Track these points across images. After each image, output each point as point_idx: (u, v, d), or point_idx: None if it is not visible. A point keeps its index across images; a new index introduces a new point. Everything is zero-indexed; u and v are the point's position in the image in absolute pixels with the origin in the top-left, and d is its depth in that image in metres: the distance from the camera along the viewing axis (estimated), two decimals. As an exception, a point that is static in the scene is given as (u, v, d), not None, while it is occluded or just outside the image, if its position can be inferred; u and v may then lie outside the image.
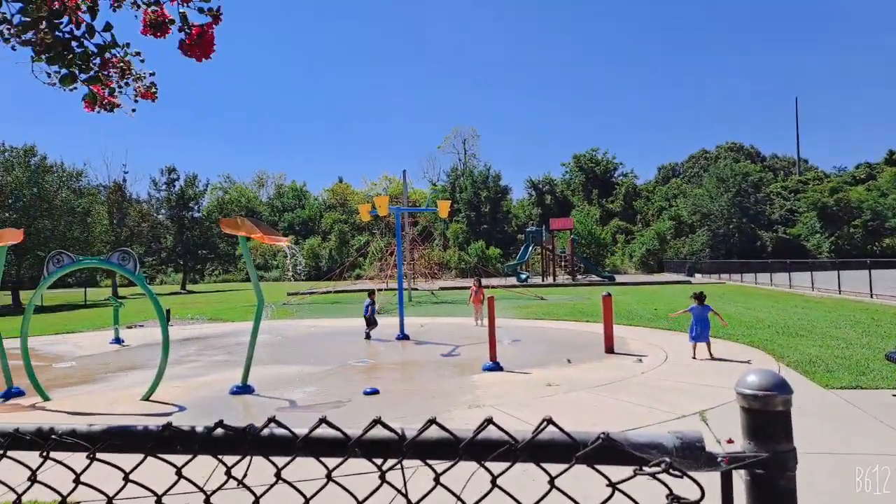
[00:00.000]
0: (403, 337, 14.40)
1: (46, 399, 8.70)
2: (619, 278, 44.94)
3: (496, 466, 1.00)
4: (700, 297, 10.61)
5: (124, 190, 58.58)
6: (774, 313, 17.04)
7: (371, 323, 14.75)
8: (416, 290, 33.79)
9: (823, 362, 9.27)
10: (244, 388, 8.89)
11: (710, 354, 10.26)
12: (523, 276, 42.04)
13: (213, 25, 1.98)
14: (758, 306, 19.54)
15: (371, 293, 15.52)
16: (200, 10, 1.96)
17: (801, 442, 5.38)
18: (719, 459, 0.91)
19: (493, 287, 26.61)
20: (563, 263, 46.86)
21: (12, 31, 1.84)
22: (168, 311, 10.70)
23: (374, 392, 8.51)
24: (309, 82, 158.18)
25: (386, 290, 27.70)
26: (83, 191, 45.61)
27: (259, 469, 1.12)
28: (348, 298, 30.94)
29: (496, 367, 9.98)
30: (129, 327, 19.18)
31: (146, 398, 8.53)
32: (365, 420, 1.01)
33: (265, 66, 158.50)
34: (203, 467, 1.16)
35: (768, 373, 0.97)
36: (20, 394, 9.13)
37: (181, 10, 1.94)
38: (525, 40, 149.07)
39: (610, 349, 11.31)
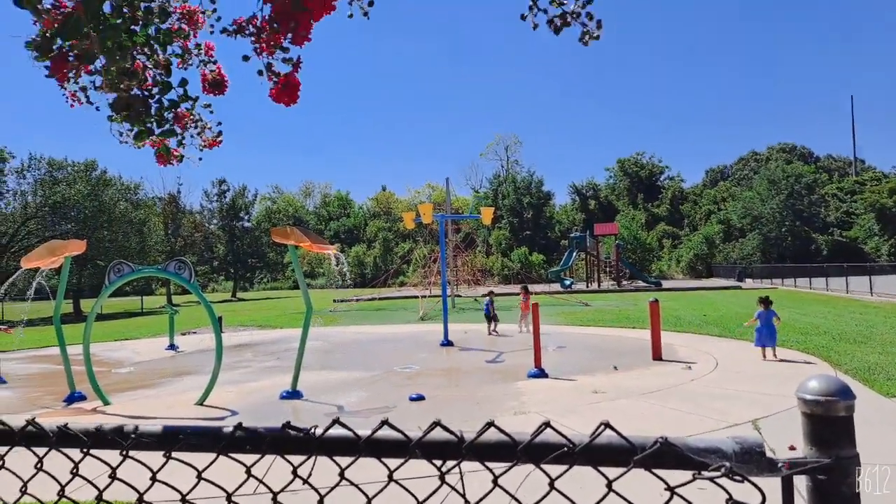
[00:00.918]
0: (447, 343, 14.44)
1: (107, 403, 9.06)
2: (665, 284, 43.96)
3: (550, 471, 1.02)
4: (766, 302, 10.71)
5: (178, 201, 60.70)
6: (830, 319, 16.41)
7: (493, 319, 16.00)
8: (460, 296, 33.84)
9: (883, 370, 8.90)
10: (294, 394, 9.07)
11: (775, 356, 10.52)
12: (567, 283, 41.58)
13: (295, 73, 2.11)
14: (813, 312, 18.85)
15: (490, 293, 17.38)
16: (284, 61, 2.12)
17: (862, 451, 5.19)
18: (780, 465, 0.91)
19: (536, 293, 26.43)
20: (607, 269, 46.17)
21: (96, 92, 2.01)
22: (220, 319, 11.03)
23: (420, 398, 8.56)
24: (352, 94, 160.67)
25: (430, 296, 27.82)
26: (140, 203, 47.47)
27: (317, 471, 1.16)
28: (393, 305, 31.22)
29: (541, 373, 9.91)
30: (184, 334, 19.80)
31: (201, 403, 8.80)
32: (412, 425, 1.04)
33: (310, 79, 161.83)
34: (261, 468, 1.22)
35: (831, 378, 0.96)
36: (82, 398, 9.53)
37: (267, 62, 2.08)
38: (567, 45, 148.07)
39: (658, 356, 11.10)
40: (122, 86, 1.87)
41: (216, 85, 2.17)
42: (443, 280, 16.46)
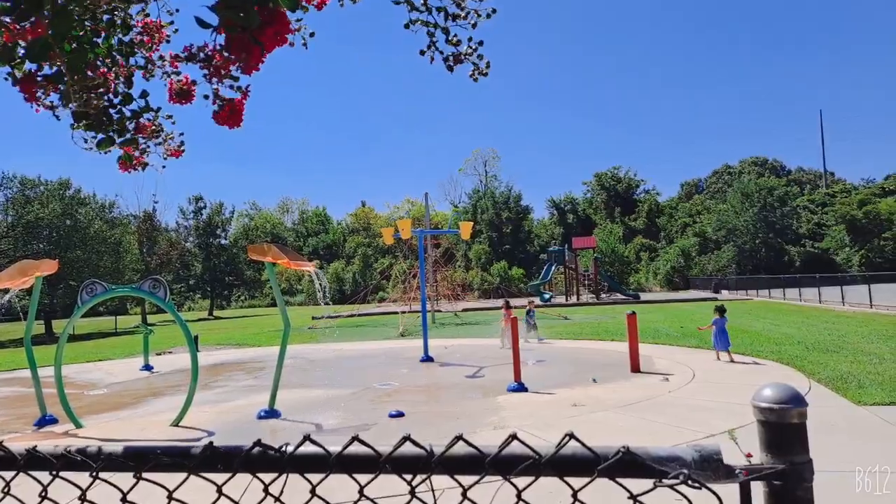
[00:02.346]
0: (428, 359, 14.40)
1: (79, 426, 8.85)
2: (643, 296, 44.43)
3: (520, 483, 1.04)
4: (721, 310, 12.10)
5: (154, 219, 59.85)
6: (804, 329, 16.70)
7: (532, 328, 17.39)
8: (440, 311, 33.79)
9: (855, 378, 9.07)
10: (271, 413, 8.96)
11: (731, 358, 11.65)
12: (547, 296, 41.78)
13: (243, 101, 2.16)
14: (787, 322, 19.17)
15: (530, 303, 19.51)
16: (231, 87, 2.18)
17: (832, 458, 5.26)
18: (737, 472, 0.94)
19: (516, 307, 26.47)
20: (586, 282, 46.53)
21: (58, 104, 2.03)
22: (196, 338, 10.89)
23: (400, 415, 8.52)
24: (329, 109, 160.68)
25: (409, 312, 27.73)
26: (115, 221, 46.75)
27: (288, 491, 1.17)
28: (372, 322, 31.05)
29: (521, 387, 9.93)
30: (159, 354, 19.46)
31: (176, 423, 8.65)
32: (391, 442, 1.05)
33: (286, 93, 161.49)
34: (238, 487, 1.22)
35: (784, 386, 1.00)
36: (53, 421, 9.31)
37: (214, 87, 2.12)
38: (545, 59, 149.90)
39: (636, 368, 11.19)
40: (83, 98, 1.88)
41: (183, 94, 2.20)
42: (422, 295, 16.45)
